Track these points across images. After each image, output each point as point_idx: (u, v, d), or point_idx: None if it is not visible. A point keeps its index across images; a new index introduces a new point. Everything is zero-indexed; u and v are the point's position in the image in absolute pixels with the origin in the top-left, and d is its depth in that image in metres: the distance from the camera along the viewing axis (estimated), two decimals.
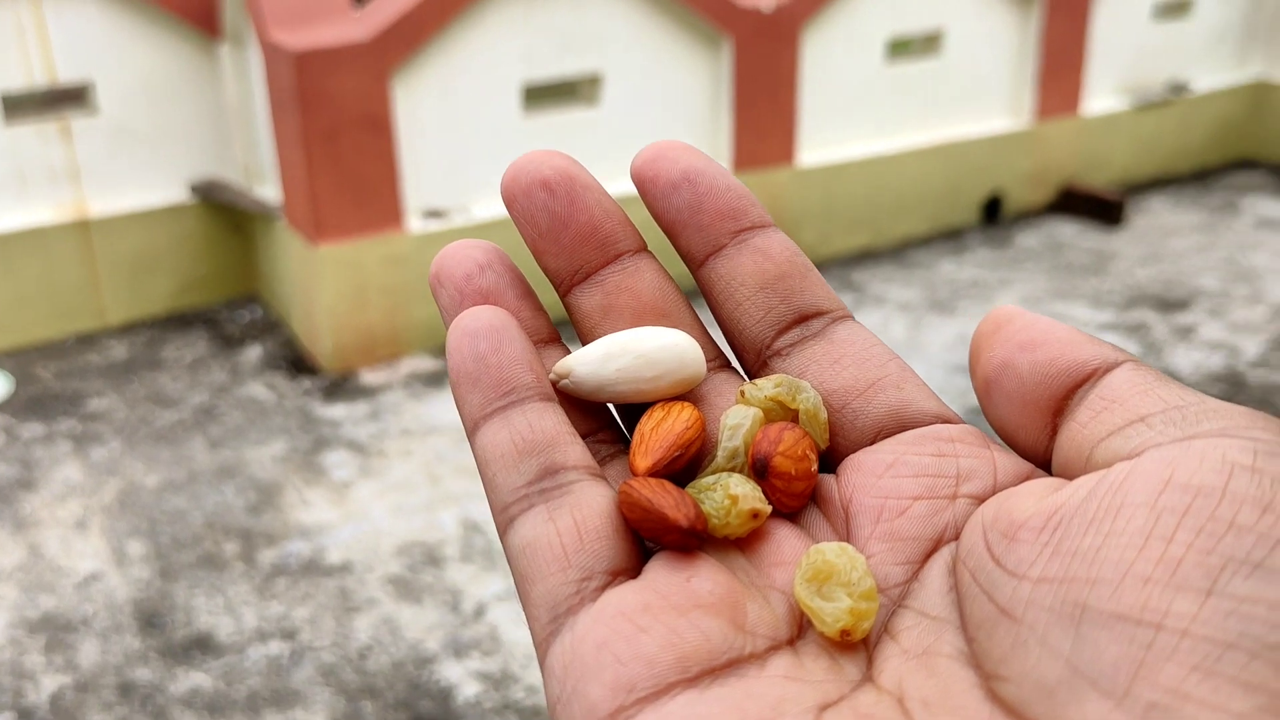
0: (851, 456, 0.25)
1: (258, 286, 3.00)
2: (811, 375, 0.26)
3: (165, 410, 2.43)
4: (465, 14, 2.53)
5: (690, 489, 0.24)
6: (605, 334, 0.26)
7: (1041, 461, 0.23)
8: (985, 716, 0.18)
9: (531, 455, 0.23)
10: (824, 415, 0.25)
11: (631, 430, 0.26)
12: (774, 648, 0.21)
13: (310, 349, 2.64)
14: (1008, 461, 0.23)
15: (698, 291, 0.28)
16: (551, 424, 0.24)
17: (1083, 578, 0.18)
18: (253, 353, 2.70)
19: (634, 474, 0.24)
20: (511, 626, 1.74)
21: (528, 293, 0.27)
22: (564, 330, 0.28)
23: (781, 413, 0.25)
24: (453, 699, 1.60)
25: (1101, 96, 3.58)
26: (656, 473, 0.24)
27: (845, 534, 0.24)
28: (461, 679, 1.64)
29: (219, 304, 2.96)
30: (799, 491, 0.24)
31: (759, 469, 0.24)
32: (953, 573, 0.22)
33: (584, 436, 0.25)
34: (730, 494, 0.23)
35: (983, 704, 0.19)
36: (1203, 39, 3.73)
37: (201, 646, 1.72)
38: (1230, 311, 2.82)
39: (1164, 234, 3.32)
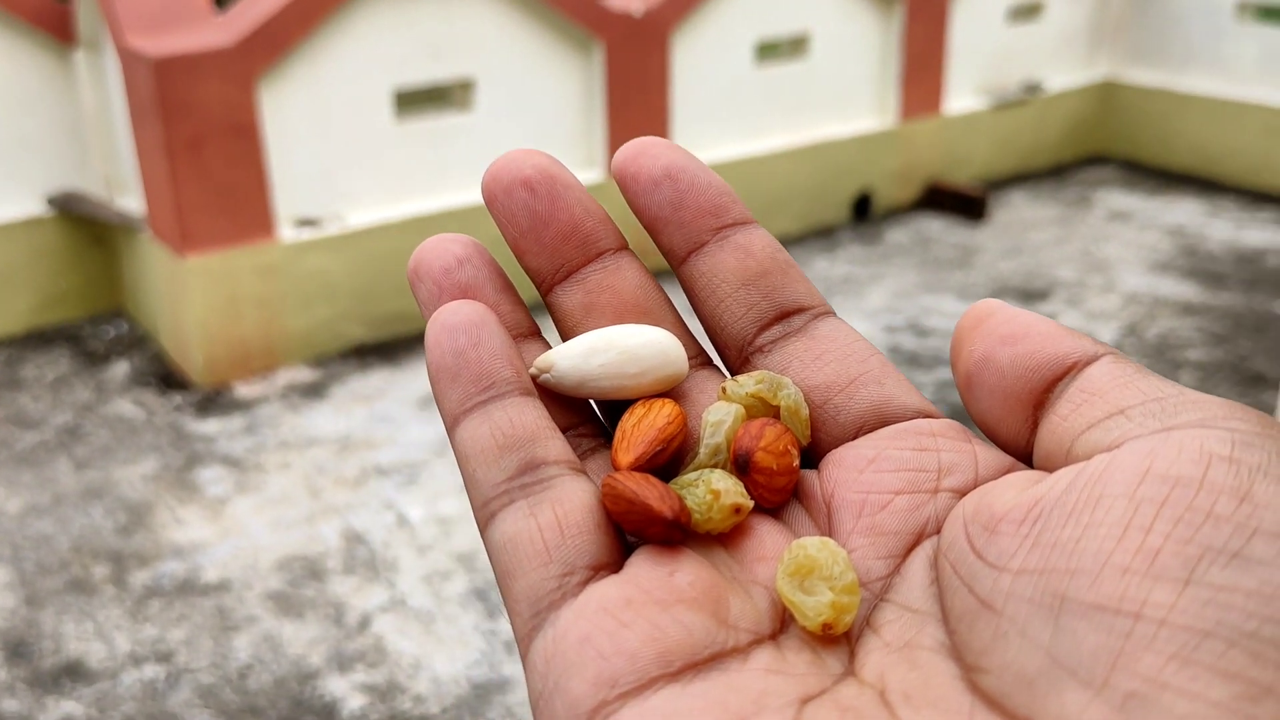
0: (833, 452, 0.25)
1: (123, 301, 2.90)
2: (793, 371, 0.26)
3: (26, 432, 2.33)
4: (333, 18, 2.49)
5: (673, 485, 0.24)
6: (587, 331, 0.26)
7: (1023, 455, 0.23)
8: (966, 708, 0.18)
9: (512, 450, 0.23)
10: (805, 411, 0.25)
11: (613, 426, 0.26)
12: (756, 642, 0.21)
13: (180, 363, 2.57)
14: (989, 455, 0.23)
15: (679, 289, 0.28)
16: (532, 419, 0.24)
17: (1062, 568, 0.18)
18: (119, 369, 2.61)
19: (616, 469, 0.24)
20: (397, 637, 1.73)
21: (507, 286, 0.26)
22: (544, 329, 0.29)
23: (763, 409, 0.25)
24: (337, 713, 1.58)
25: (961, 97, 3.71)
26: (639, 467, 0.24)
27: (827, 529, 0.24)
28: (346, 693, 1.62)
29: (82, 320, 2.85)
30: (780, 487, 0.24)
31: (741, 464, 0.24)
32: (934, 566, 0.22)
33: (565, 431, 0.25)
34: (712, 489, 0.23)
35: (964, 696, 0.19)
36: (1054, 41, 3.89)
37: (72, 674, 1.66)
38: (1086, 300, 2.95)
39: (1024, 228, 3.46)
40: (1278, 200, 3.56)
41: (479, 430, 0.23)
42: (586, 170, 2.98)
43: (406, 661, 1.68)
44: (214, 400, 2.46)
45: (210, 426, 2.35)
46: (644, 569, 0.22)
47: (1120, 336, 2.75)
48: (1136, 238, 3.36)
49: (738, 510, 0.23)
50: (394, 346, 2.71)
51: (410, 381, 2.54)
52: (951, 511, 0.22)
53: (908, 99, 3.50)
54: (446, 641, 1.73)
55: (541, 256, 0.26)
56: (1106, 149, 4.10)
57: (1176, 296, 2.94)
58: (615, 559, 0.23)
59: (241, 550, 1.93)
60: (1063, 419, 0.21)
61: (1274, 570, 0.17)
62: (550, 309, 0.27)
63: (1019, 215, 3.56)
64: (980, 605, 0.19)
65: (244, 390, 2.50)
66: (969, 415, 0.24)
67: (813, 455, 0.25)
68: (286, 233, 2.57)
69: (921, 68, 3.49)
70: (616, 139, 2.95)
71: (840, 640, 0.21)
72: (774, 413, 0.25)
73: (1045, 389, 0.22)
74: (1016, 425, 0.23)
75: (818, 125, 3.38)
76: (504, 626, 1.76)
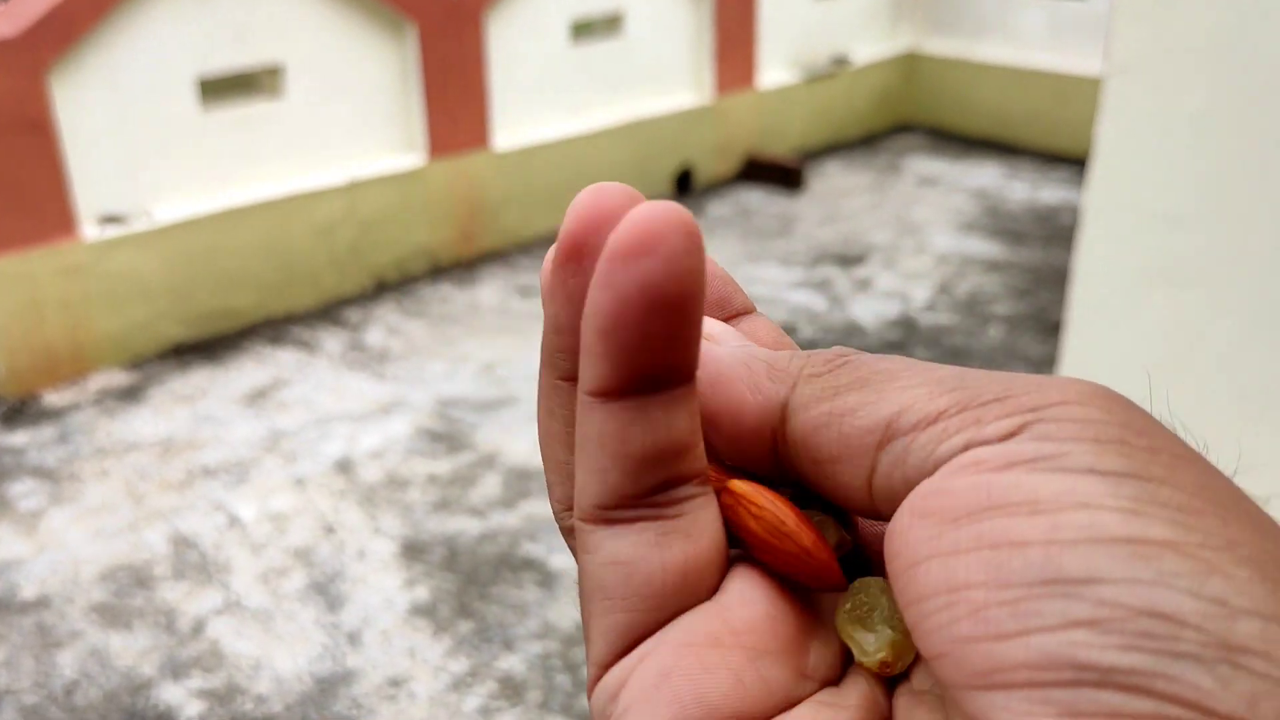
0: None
1: None
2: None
3: None
4: (128, 4, 2.38)
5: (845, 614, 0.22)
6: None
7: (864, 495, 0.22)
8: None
9: (661, 462, 0.20)
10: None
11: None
12: (823, 685, 0.21)
13: None
14: None
15: None
16: (686, 423, 0.20)
17: (938, 657, 0.18)
18: None
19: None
20: (234, 639, 1.68)
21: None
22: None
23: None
24: None
25: (774, 71, 3.81)
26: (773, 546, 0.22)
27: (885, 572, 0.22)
28: (183, 700, 1.57)
29: None
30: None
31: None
32: None
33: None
34: (893, 640, 0.21)
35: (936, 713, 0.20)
36: (859, 15, 4.03)
37: None
38: (900, 262, 3.08)
39: (839, 195, 3.58)
40: (1069, 161, 3.79)
41: (632, 419, 0.20)
42: (405, 155, 2.94)
43: (246, 663, 1.64)
44: (20, 411, 2.33)
45: (18, 438, 2.22)
46: (736, 603, 0.20)
47: (934, 295, 2.88)
48: (944, 201, 3.52)
49: (884, 666, 0.21)
50: (215, 344, 2.62)
51: (234, 378, 2.47)
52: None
53: (722, 74, 3.57)
54: (286, 639, 1.69)
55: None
56: (912, 117, 4.27)
57: (982, 255, 3.10)
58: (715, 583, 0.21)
59: (60, 564, 1.84)
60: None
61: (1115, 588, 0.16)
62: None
63: (834, 184, 3.69)
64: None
65: (53, 398, 2.38)
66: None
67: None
68: (89, 231, 2.45)
69: (734, 44, 3.56)
70: (437, 123, 2.91)
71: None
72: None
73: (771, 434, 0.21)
74: (856, 471, 0.21)
75: (636, 103, 3.41)
76: (346, 618, 1.74)
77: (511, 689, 1.60)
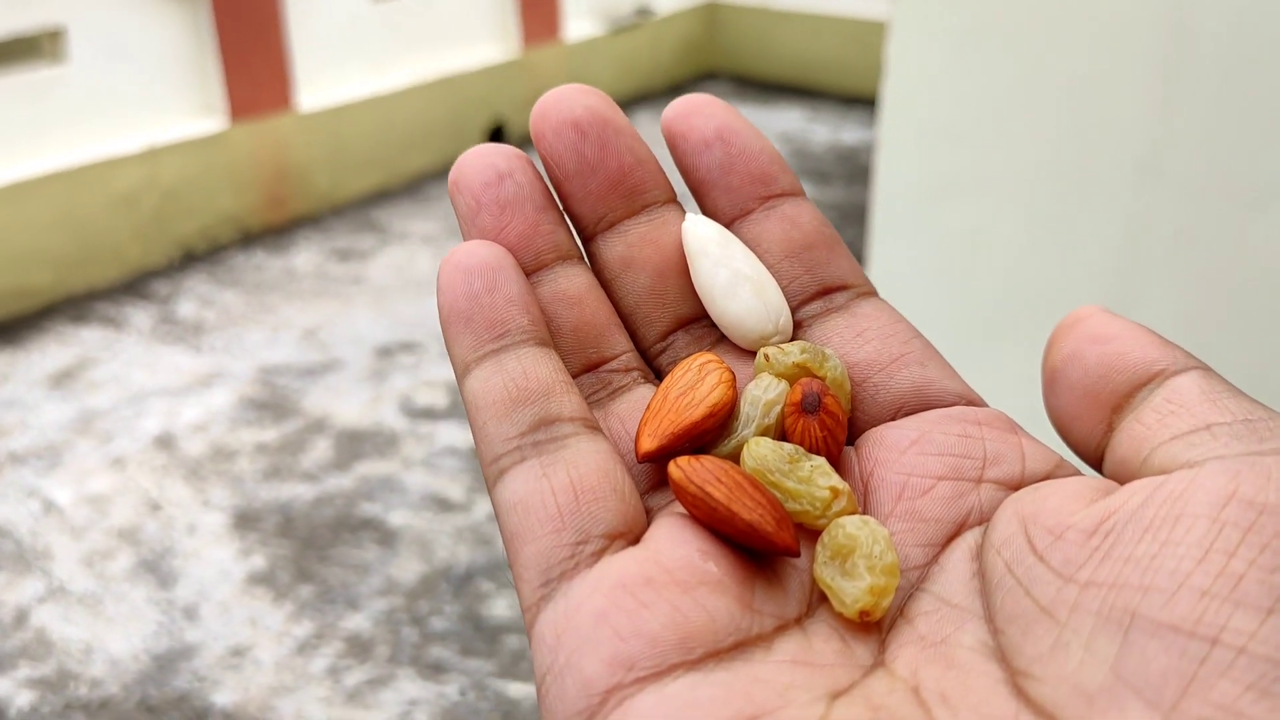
0: (873, 430, 0.24)
1: None
2: (834, 346, 0.25)
3: None
4: None
5: (773, 476, 0.22)
6: (624, 287, 0.25)
7: (1093, 458, 0.22)
8: (1011, 714, 0.17)
9: (525, 404, 0.22)
10: (849, 385, 0.24)
11: (656, 364, 0.25)
12: (782, 627, 0.20)
13: None
14: (1035, 449, 0.23)
15: None
16: (547, 371, 0.22)
17: (1135, 584, 0.17)
18: None
19: (637, 449, 0.22)
20: (61, 625, 1.62)
21: (549, 204, 0.25)
22: None
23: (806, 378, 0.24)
24: (4, 714, 1.48)
25: (580, 22, 3.82)
26: (658, 457, 0.22)
27: (863, 509, 0.23)
28: (11, 691, 1.51)
29: None
30: (841, 439, 0.23)
31: (810, 404, 0.22)
32: (977, 559, 0.21)
33: (602, 364, 0.24)
34: (833, 486, 0.22)
35: (1008, 701, 0.18)
36: None
37: None
38: None
39: (651, 145, 3.63)
40: (867, 103, 3.95)
41: (491, 381, 0.22)
42: (205, 119, 2.83)
43: (76, 648, 1.59)
44: None
45: None
46: (666, 545, 0.20)
47: None
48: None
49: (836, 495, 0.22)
50: (12, 325, 2.48)
51: (36, 361, 2.35)
52: (1003, 506, 0.21)
53: (528, 27, 3.56)
54: (118, 620, 1.64)
55: (585, 204, 0.25)
56: (717, 66, 4.36)
57: None
58: (633, 528, 0.21)
59: None
60: (1144, 426, 0.20)
61: None
62: (590, 258, 0.26)
63: (645, 133, 3.73)
64: (1039, 611, 0.18)
65: None
66: (1046, 412, 0.23)
67: (849, 433, 0.24)
68: None
69: None
70: (236, 84, 2.81)
71: (872, 628, 0.20)
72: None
73: (1128, 392, 0.21)
74: (1091, 425, 0.22)
75: (444, 58, 3.38)
76: (181, 594, 1.70)
77: (359, 647, 1.61)
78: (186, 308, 2.61)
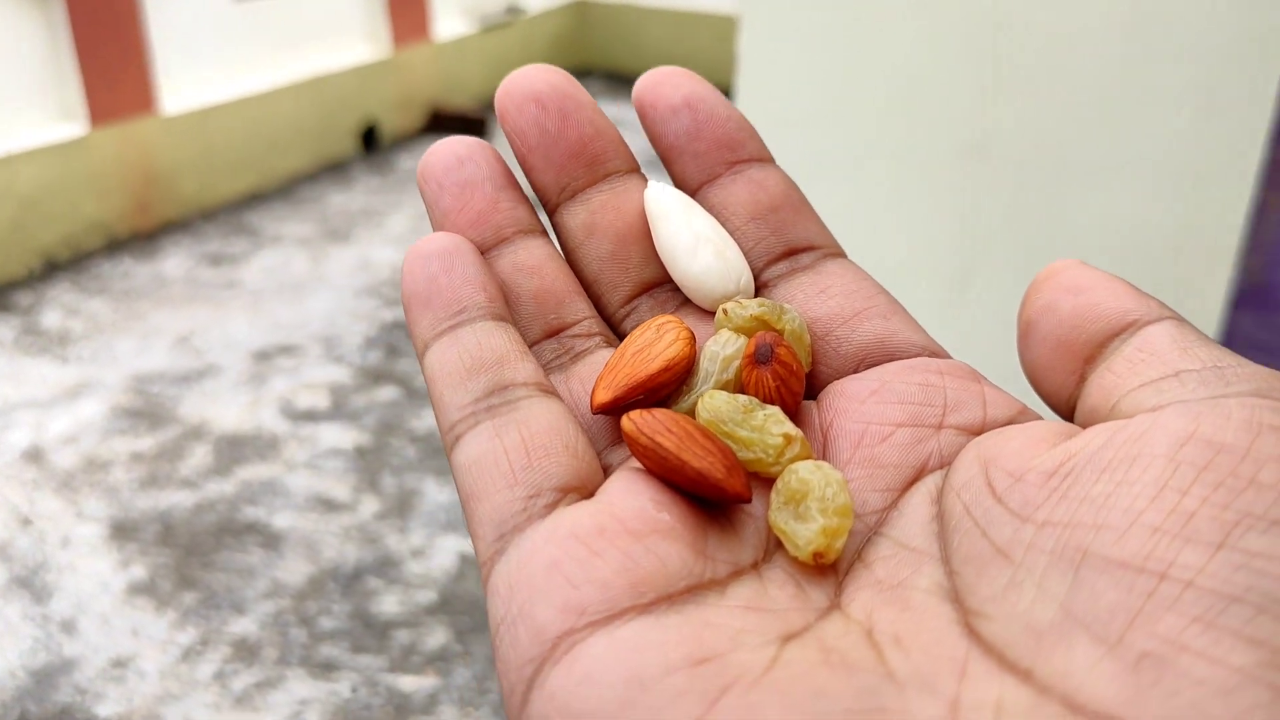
0: (834, 383, 0.24)
1: None
2: (797, 303, 0.25)
3: None
4: None
5: (725, 427, 0.22)
6: (588, 254, 0.26)
7: (1065, 409, 0.22)
8: (961, 654, 0.17)
9: (480, 372, 0.22)
10: (808, 338, 0.24)
11: (620, 330, 0.26)
12: (737, 573, 0.20)
13: None
14: (997, 396, 0.23)
15: None
16: (501, 341, 0.23)
17: (1088, 523, 0.17)
18: None
19: (592, 402, 0.23)
20: None
21: (509, 183, 0.26)
22: None
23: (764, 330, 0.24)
24: None
25: (450, 21, 3.81)
26: (613, 409, 0.23)
27: (823, 458, 0.23)
28: None
29: None
30: (797, 389, 0.23)
31: (763, 354, 0.23)
32: (936, 503, 0.21)
33: (567, 328, 0.25)
34: (786, 433, 0.22)
35: (960, 641, 0.18)
36: None
37: None
38: None
39: None
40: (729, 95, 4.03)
41: (447, 354, 0.23)
42: (64, 124, 2.75)
43: None
44: None
45: None
46: (619, 497, 0.21)
47: None
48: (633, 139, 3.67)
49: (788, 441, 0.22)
50: None
51: None
52: (964, 450, 0.21)
53: (397, 26, 3.54)
54: None
55: (548, 174, 0.26)
56: (589, 62, 4.40)
57: None
58: (585, 482, 0.21)
59: None
60: (1115, 375, 0.21)
61: None
62: (555, 229, 0.27)
63: None
64: (995, 551, 0.18)
65: None
66: (1020, 363, 0.23)
67: (812, 387, 0.25)
68: None
69: None
70: (94, 87, 2.74)
71: (828, 571, 0.20)
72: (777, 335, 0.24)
73: (1101, 342, 0.21)
74: (1064, 376, 0.22)
75: (312, 58, 3.34)
76: (57, 608, 1.66)
77: (246, 650, 1.60)
78: (51, 317, 2.54)
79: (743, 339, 0.24)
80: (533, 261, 0.25)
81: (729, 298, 0.25)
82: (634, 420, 0.21)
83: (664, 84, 0.26)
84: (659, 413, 0.21)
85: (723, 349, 0.24)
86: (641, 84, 0.26)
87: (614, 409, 0.23)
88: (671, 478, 0.21)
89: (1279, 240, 0.40)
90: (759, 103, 0.72)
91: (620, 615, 0.18)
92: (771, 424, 0.22)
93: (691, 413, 0.23)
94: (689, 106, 0.26)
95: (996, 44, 0.65)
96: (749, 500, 0.21)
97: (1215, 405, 0.18)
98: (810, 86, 0.70)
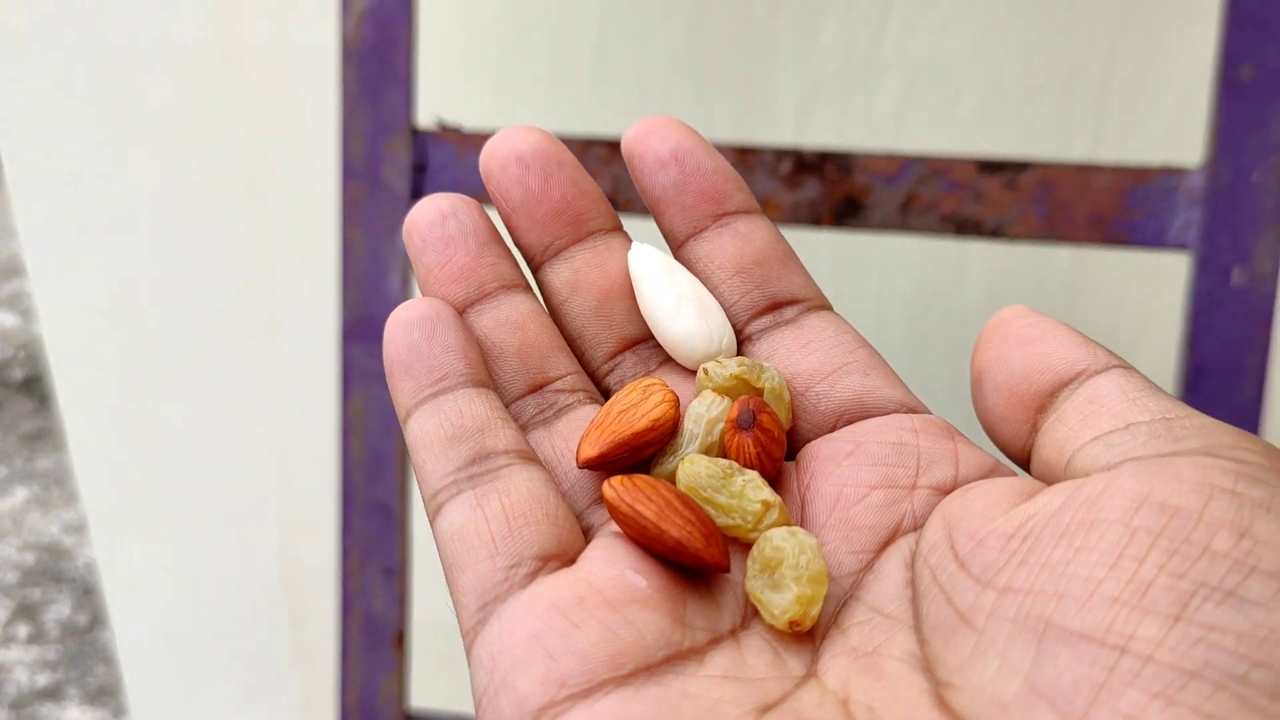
0: (811, 444, 0.24)
1: None
2: (778, 359, 0.25)
3: None
4: None
5: (705, 493, 0.22)
6: (572, 310, 0.26)
7: (1021, 458, 0.22)
8: None
9: (461, 441, 0.22)
10: (788, 396, 0.24)
11: (604, 385, 0.26)
12: (715, 640, 0.20)
13: None
14: (971, 453, 0.23)
15: None
16: (483, 409, 0.23)
17: (1049, 591, 0.17)
18: None
19: (578, 458, 0.23)
20: None
21: (493, 239, 0.26)
22: None
23: (745, 391, 0.24)
24: None
25: None
26: (597, 465, 0.23)
27: (801, 521, 0.23)
28: None
29: None
30: (777, 455, 0.23)
31: (745, 420, 0.23)
32: (910, 567, 0.21)
33: (550, 383, 0.25)
34: (764, 500, 0.22)
35: (931, 713, 0.18)
36: None
37: None
38: None
39: None
40: None
41: (429, 422, 0.23)
42: None
43: None
44: None
45: None
46: (598, 565, 0.21)
47: None
48: None
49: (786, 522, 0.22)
50: None
51: None
52: (933, 512, 0.21)
53: None
54: None
55: (532, 233, 0.26)
56: None
57: None
58: (566, 550, 0.22)
59: None
60: (1066, 427, 0.21)
61: (1269, 612, 0.16)
62: (540, 287, 0.27)
63: None
64: (958, 619, 0.19)
65: None
66: (976, 414, 0.23)
67: (792, 443, 0.25)
68: None
69: None
70: None
71: (805, 638, 0.21)
72: (757, 395, 0.24)
73: (1050, 392, 0.22)
74: (1017, 426, 0.22)
75: None
76: None
77: None
78: None
79: (726, 401, 0.24)
80: (516, 317, 0.25)
81: (711, 357, 0.25)
82: (615, 487, 0.21)
83: (652, 135, 0.26)
84: (640, 479, 0.22)
85: (706, 411, 0.24)
86: (630, 135, 0.26)
87: (599, 465, 0.23)
88: (651, 545, 0.21)
89: (371, 274, 0.47)
90: (29, 151, 0.69)
91: (600, 688, 0.19)
92: (750, 490, 0.22)
93: (673, 475, 0.24)
94: (676, 160, 0.26)
95: (235, 80, 0.68)
96: (727, 570, 0.21)
97: (1167, 466, 0.18)
98: (77, 142, 0.69)
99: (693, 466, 0.23)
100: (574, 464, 0.24)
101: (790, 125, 0.56)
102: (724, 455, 0.24)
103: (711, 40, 0.56)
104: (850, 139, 0.58)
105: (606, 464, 0.23)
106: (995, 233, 0.41)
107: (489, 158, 0.26)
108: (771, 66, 0.54)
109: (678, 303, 0.25)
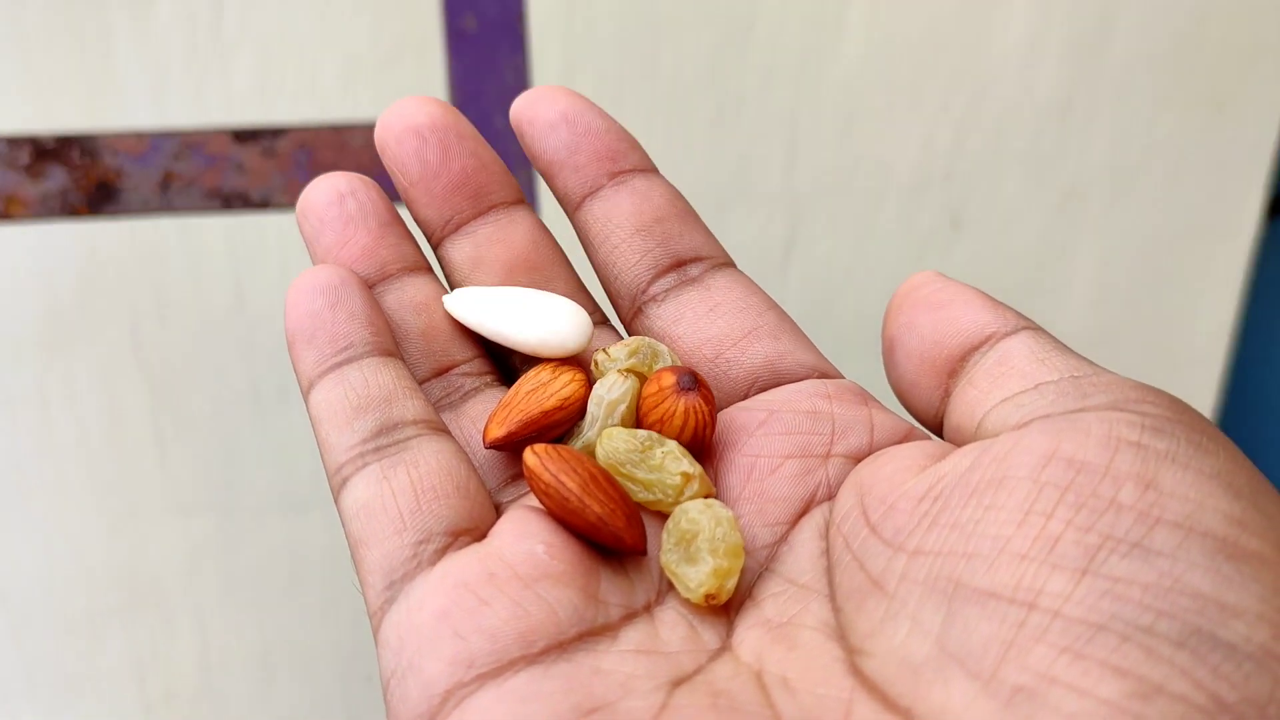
0: (723, 413, 0.23)
1: None
2: (685, 323, 0.24)
3: None
4: None
5: (624, 469, 0.22)
6: (475, 286, 0.25)
7: (934, 424, 0.22)
8: (846, 694, 0.17)
9: (366, 411, 0.22)
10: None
11: (512, 365, 0.25)
12: (629, 616, 0.20)
13: None
14: (885, 419, 0.23)
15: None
16: (389, 378, 0.22)
17: (959, 552, 0.17)
18: None
19: (485, 437, 0.22)
20: None
21: (394, 220, 0.25)
22: None
23: (644, 370, 0.24)
24: None
25: None
26: (505, 444, 0.22)
27: (716, 495, 0.22)
28: None
29: None
30: (713, 419, 0.23)
31: (688, 382, 0.22)
32: (824, 537, 0.21)
33: (457, 366, 0.25)
34: (684, 472, 0.21)
35: (844, 679, 0.18)
36: None
37: None
38: None
39: None
40: None
41: (332, 393, 0.22)
42: None
43: None
44: None
45: None
46: (509, 540, 0.20)
47: None
48: None
49: (708, 495, 0.22)
50: None
51: None
52: (846, 480, 0.21)
53: None
54: None
55: (431, 207, 0.25)
56: None
57: None
58: (477, 524, 0.21)
59: None
60: (977, 390, 0.21)
61: (1174, 562, 0.16)
62: (441, 263, 0.26)
63: None
64: (871, 584, 0.18)
65: None
66: (889, 382, 0.23)
67: None
68: None
69: None
70: None
71: (720, 611, 0.20)
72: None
73: (960, 356, 0.22)
74: (929, 392, 0.22)
75: None
76: None
77: None
78: None
79: (631, 380, 0.23)
80: (420, 299, 0.25)
81: (581, 349, 0.24)
82: (538, 455, 0.21)
83: (540, 101, 0.25)
84: (564, 450, 0.21)
85: (608, 393, 0.23)
86: (519, 103, 0.26)
87: (506, 445, 0.22)
88: (569, 520, 0.20)
89: None
90: None
91: (509, 667, 0.18)
92: (670, 462, 0.22)
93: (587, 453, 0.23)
94: (566, 121, 0.25)
95: None
96: (644, 554, 0.21)
97: (1074, 421, 0.18)
98: None
99: (611, 441, 0.22)
100: (480, 445, 0.23)
101: (146, 110, 0.54)
102: (679, 381, 0.23)
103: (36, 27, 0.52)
104: (214, 119, 0.56)
105: (514, 444, 0.23)
106: (264, 204, 0.40)
107: (384, 130, 0.25)
108: (111, 50, 0.51)
109: (518, 315, 0.24)
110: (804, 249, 0.54)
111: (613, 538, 0.21)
